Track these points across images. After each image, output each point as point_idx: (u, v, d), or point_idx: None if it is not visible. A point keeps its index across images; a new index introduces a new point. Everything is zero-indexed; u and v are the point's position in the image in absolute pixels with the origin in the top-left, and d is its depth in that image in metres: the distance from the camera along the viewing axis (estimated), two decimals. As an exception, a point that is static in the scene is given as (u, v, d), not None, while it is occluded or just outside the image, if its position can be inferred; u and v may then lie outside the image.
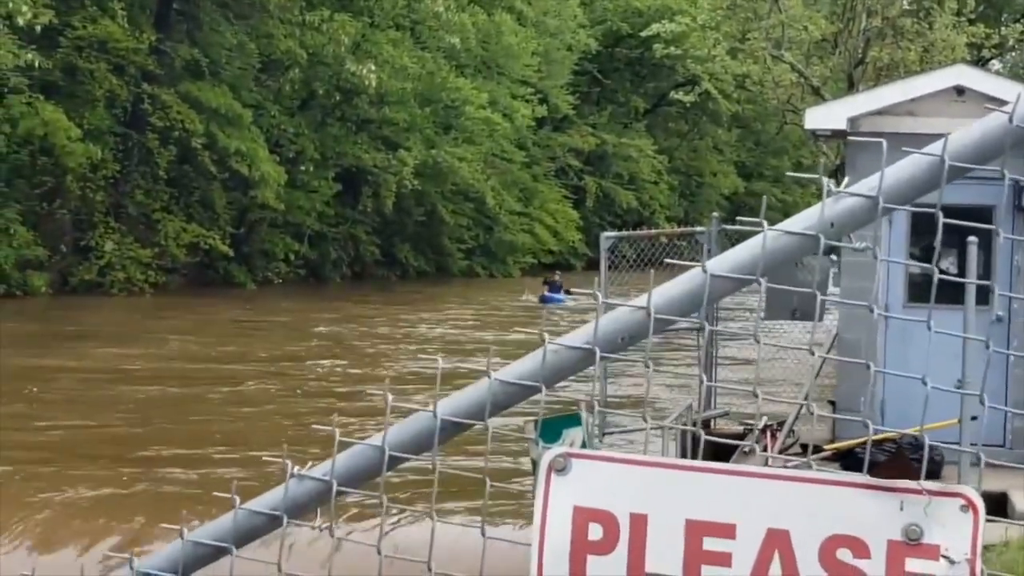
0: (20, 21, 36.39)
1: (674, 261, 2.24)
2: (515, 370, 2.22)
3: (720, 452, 13.33)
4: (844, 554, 2.05)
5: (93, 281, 44.41)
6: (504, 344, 31.82)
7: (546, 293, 47.36)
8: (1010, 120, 2.04)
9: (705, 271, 2.11)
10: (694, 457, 2.05)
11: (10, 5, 36.26)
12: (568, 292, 45.49)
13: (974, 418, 9.83)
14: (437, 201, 59.33)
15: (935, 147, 2.03)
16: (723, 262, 2.13)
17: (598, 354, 2.18)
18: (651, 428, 10.94)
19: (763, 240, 2.09)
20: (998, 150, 2.06)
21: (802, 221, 2.09)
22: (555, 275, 50.45)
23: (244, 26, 50.29)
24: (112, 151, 45.38)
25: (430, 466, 2.29)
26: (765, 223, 2.08)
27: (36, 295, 41.76)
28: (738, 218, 2.25)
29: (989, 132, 2.07)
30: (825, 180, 2.06)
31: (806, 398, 13.52)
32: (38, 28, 37.64)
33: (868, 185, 2.06)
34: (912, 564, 2.03)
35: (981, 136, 2.07)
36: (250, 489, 2.57)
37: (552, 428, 9.66)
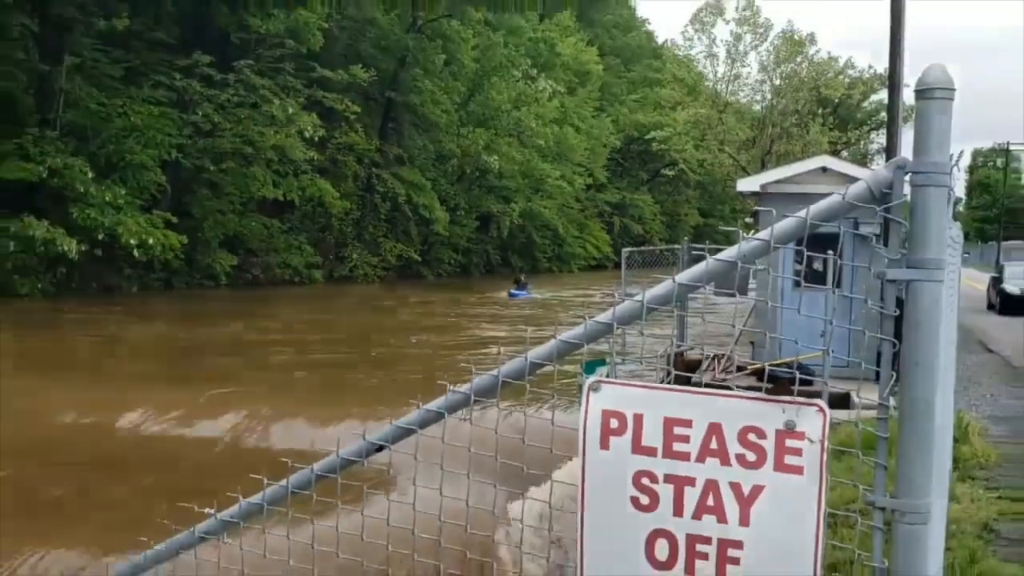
0: (307, 134, 36.96)
1: (659, 275, 2.23)
2: (568, 334, 2.22)
3: (688, 372, 13.19)
4: (752, 436, 2.04)
5: (345, 275, 44.92)
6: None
7: (512, 291, 36.81)
8: (843, 198, 2.02)
9: (675, 281, 2.12)
10: (676, 377, 2.02)
11: (301, 126, 36.87)
12: (524, 286, 36.19)
13: (829, 353, 9.51)
14: (532, 231, 59.13)
15: (802, 212, 2.01)
16: (684, 276, 2.12)
17: (615, 326, 2.18)
18: (644, 364, 10.90)
19: (706, 264, 2.09)
20: (837, 213, 2.04)
21: (728, 254, 2.09)
22: (521, 276, 39.54)
23: (427, 136, 50.56)
24: (355, 204, 45.75)
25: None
26: (707, 254, 2.08)
27: (315, 283, 42.31)
28: (693, 248, 2.23)
29: (833, 203, 2.04)
30: (741, 233, 2.06)
31: (736, 343, 13.35)
32: (316, 138, 38.10)
33: (765, 234, 2.05)
34: (790, 442, 2.01)
35: (827, 206, 2.04)
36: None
37: (591, 367, 9.57)
